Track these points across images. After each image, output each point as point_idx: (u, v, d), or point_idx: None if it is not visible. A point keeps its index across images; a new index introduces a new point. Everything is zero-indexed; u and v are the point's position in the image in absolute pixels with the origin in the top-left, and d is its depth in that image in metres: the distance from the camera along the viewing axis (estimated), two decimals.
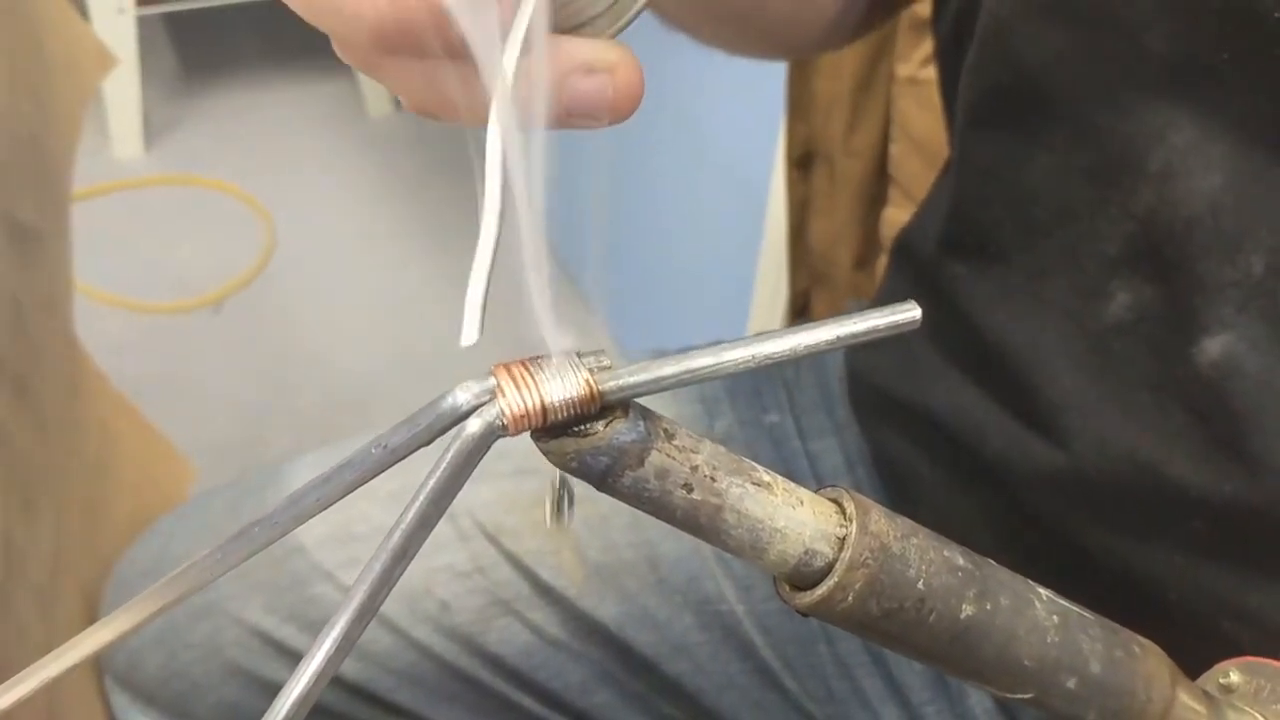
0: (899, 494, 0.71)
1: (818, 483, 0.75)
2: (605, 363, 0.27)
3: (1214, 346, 0.52)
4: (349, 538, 0.74)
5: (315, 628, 0.72)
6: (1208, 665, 0.41)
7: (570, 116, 0.31)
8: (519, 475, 0.75)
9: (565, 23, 0.32)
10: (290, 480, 0.77)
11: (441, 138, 2.44)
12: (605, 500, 0.29)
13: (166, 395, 1.77)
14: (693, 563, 0.74)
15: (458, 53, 0.29)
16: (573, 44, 0.31)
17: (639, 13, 0.33)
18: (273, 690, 0.73)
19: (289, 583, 0.73)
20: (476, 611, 0.73)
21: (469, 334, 0.27)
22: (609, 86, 0.31)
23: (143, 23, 2.28)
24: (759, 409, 0.78)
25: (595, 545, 0.74)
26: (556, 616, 0.74)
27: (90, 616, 0.80)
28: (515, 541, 0.74)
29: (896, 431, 0.70)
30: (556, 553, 0.74)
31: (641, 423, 0.27)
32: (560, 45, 0.31)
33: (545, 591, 0.73)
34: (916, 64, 1.02)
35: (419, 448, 0.27)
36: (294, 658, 0.73)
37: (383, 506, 0.73)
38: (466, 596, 0.73)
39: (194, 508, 0.81)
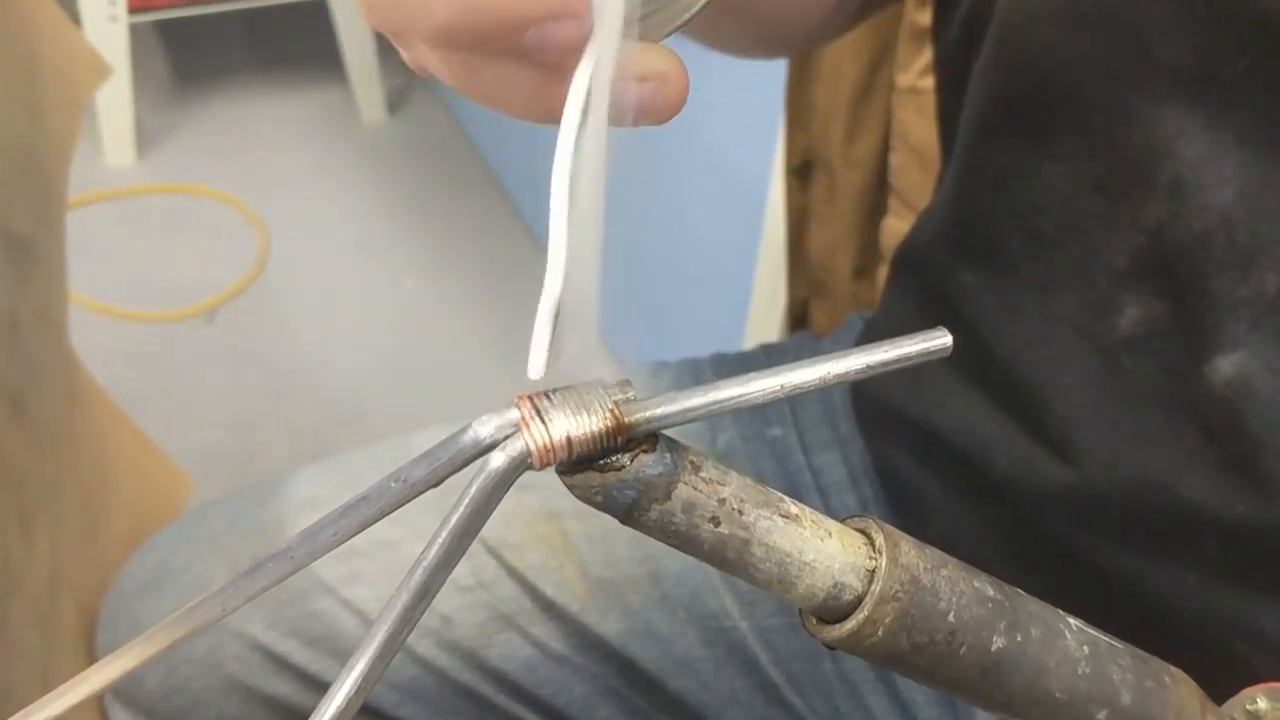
0: (905, 510, 0.71)
1: (821, 496, 0.75)
2: (630, 393, 0.27)
3: (1226, 365, 0.52)
4: (350, 552, 0.73)
5: (317, 643, 0.72)
6: (1222, 687, 0.40)
7: (616, 118, 0.31)
8: (521, 490, 0.73)
9: None
10: (290, 492, 0.77)
11: (435, 146, 2.44)
12: (607, 514, 0.28)
13: (159, 404, 1.76)
14: (696, 578, 0.73)
15: (522, 56, 0.30)
16: (628, 50, 0.31)
17: (694, 16, 0.33)
18: (273, 706, 0.73)
19: (290, 598, 0.73)
20: (478, 626, 0.73)
21: (535, 368, 0.27)
22: (659, 94, 0.31)
23: (135, 30, 2.27)
24: (762, 423, 0.77)
25: (598, 560, 0.73)
26: (559, 632, 0.73)
27: (88, 633, 0.80)
28: (517, 556, 0.73)
29: (902, 446, 0.70)
30: (559, 568, 0.73)
31: (668, 455, 0.27)
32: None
33: (548, 606, 0.73)
34: (917, 73, 1.02)
35: (440, 482, 0.26)
36: (295, 673, 0.73)
37: (384, 521, 0.72)
38: (468, 611, 0.73)
39: (193, 520, 0.80)
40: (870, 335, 0.77)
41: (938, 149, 0.74)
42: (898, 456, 0.70)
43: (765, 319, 1.39)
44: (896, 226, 1.08)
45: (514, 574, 0.73)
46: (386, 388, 1.91)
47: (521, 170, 2.22)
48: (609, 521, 0.28)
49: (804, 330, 1.21)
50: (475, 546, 0.73)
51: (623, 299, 1.82)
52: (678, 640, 0.73)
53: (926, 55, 1.00)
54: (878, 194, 1.10)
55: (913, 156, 1.05)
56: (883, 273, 1.11)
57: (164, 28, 2.59)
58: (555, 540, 0.73)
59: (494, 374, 1.85)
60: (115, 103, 2.27)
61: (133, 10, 2.23)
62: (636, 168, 1.69)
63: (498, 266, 2.13)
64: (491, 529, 0.73)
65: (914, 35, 1.00)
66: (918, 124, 1.04)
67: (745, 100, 1.39)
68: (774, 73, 1.12)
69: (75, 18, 2.13)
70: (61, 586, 0.78)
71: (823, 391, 0.80)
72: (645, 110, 0.31)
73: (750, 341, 1.41)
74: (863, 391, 0.74)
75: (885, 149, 1.08)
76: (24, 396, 0.76)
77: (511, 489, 0.26)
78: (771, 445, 0.77)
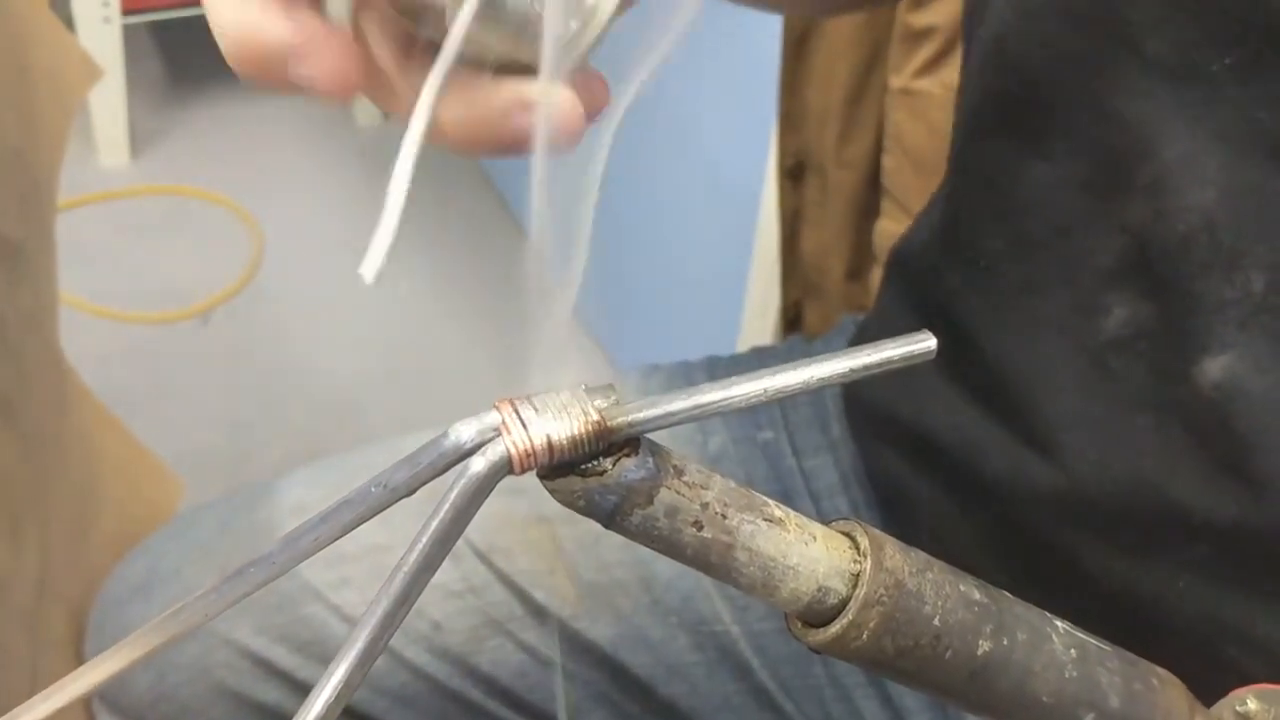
0: (895, 512, 0.71)
1: (813, 499, 0.75)
2: (612, 397, 0.26)
3: (1215, 366, 0.51)
4: (339, 558, 0.73)
5: (306, 648, 0.72)
6: (1213, 690, 0.40)
7: (507, 147, 0.35)
8: (511, 494, 0.73)
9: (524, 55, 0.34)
10: (282, 496, 0.76)
11: (430, 147, 2.43)
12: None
13: (153, 406, 1.76)
14: (687, 583, 0.73)
15: (298, 90, 0.35)
16: (513, 83, 0.35)
17: (588, 50, 0.35)
18: (262, 712, 0.72)
19: (279, 603, 0.73)
20: (468, 632, 0.73)
21: (369, 270, 0.29)
22: (543, 123, 0.34)
23: (128, 31, 2.27)
24: (753, 426, 0.77)
25: (588, 565, 0.73)
26: (550, 637, 0.73)
27: (77, 637, 0.79)
28: (507, 561, 0.73)
29: (893, 449, 0.69)
30: (550, 573, 0.73)
31: (650, 459, 0.27)
32: (502, 84, 0.35)
33: (538, 612, 0.73)
34: (909, 75, 1.01)
35: (420, 487, 0.26)
36: (284, 679, 0.72)
37: (373, 525, 0.71)
38: (458, 617, 0.73)
39: (183, 524, 0.80)
40: (863, 337, 0.77)
41: (930, 151, 0.74)
42: (889, 459, 0.70)
43: (759, 321, 1.39)
44: (889, 228, 1.08)
45: (504, 579, 0.73)
46: (381, 389, 1.90)
47: (516, 173, 2.22)
48: (600, 526, 0.28)
49: (797, 332, 1.21)
50: (465, 551, 0.73)
51: (616, 301, 1.82)
52: (669, 645, 0.73)
53: (919, 57, 1.00)
54: (870, 196, 1.10)
55: (906, 158, 1.05)
56: (876, 274, 1.11)
57: (158, 29, 2.58)
58: (546, 545, 0.73)
59: (488, 376, 1.85)
60: (109, 104, 2.27)
61: (126, 11, 2.23)
62: (629, 170, 1.69)
63: (492, 268, 2.13)
64: (481, 533, 0.73)
65: (906, 37, 1.00)
66: (911, 126, 1.03)
67: (738, 102, 1.39)
68: (767, 74, 1.12)
69: (68, 19, 2.13)
70: (50, 591, 0.77)
71: (813, 394, 0.80)
72: (531, 138, 0.34)
73: (744, 344, 1.41)
74: (854, 394, 0.74)
75: (878, 151, 1.08)
76: (12, 400, 0.76)
77: (501, 493, 0.26)
78: (763, 448, 0.76)
